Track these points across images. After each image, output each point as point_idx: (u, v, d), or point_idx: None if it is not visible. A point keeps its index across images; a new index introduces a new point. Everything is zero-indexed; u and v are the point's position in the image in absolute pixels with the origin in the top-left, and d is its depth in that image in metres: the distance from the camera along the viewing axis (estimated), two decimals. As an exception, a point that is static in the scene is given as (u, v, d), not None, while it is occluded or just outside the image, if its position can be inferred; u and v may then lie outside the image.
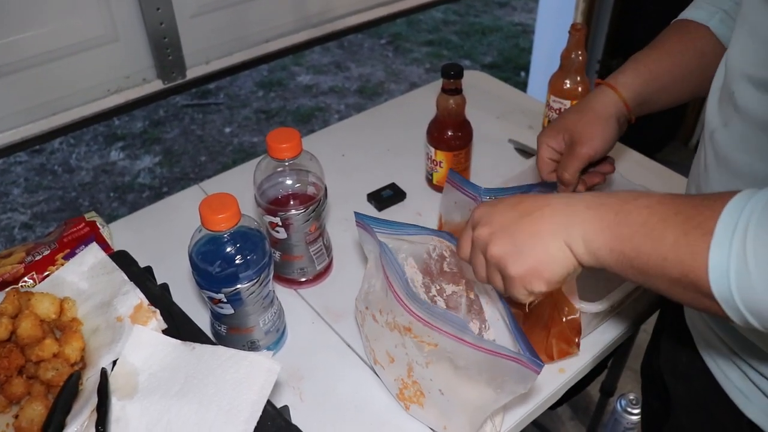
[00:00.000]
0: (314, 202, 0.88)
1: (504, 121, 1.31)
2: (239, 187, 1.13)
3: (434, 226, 0.96)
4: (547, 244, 0.59)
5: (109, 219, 1.07)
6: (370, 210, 1.10)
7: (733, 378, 0.71)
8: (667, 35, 0.86)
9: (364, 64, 3.66)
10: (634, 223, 0.54)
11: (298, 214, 0.87)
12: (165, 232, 1.05)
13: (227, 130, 3.12)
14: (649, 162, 1.22)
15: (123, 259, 0.82)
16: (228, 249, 0.74)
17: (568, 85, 1.18)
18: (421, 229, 0.78)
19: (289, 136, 0.84)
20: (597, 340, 0.89)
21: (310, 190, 0.90)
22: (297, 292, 0.96)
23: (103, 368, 0.67)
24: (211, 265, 0.74)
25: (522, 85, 3.23)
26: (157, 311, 0.73)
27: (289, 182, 0.89)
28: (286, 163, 0.86)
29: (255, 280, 0.76)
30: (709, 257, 0.48)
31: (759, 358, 0.65)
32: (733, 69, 0.65)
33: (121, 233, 1.03)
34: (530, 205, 0.62)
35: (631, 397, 1.65)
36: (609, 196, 0.58)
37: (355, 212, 0.77)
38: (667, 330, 0.89)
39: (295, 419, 0.72)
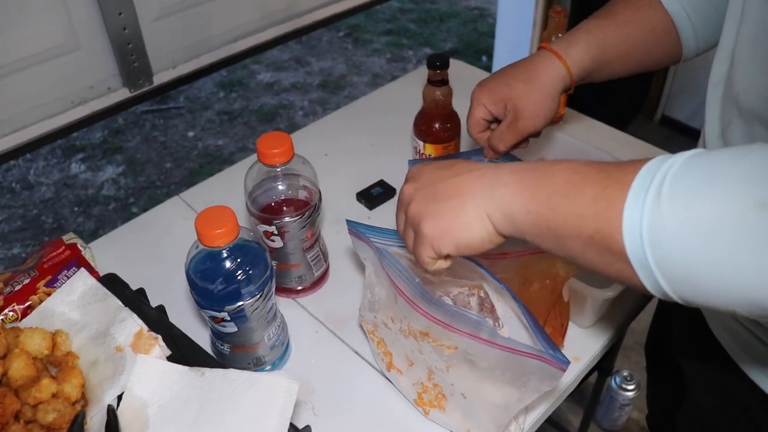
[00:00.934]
0: (309, 208, 0.84)
1: (486, 108, 1.28)
2: (222, 195, 1.09)
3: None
4: (466, 207, 0.57)
5: (77, 236, 1.00)
6: (361, 209, 1.07)
7: (752, 356, 0.70)
8: (620, 4, 0.83)
9: (325, 57, 3.61)
10: (554, 184, 0.52)
11: (294, 221, 0.83)
12: (151, 250, 1.00)
13: (190, 134, 3.04)
14: (620, 134, 1.21)
15: (114, 283, 0.77)
16: (228, 265, 0.70)
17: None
18: None
19: (280, 141, 0.80)
20: (608, 325, 0.87)
21: (302, 194, 0.86)
22: (296, 302, 0.92)
23: (109, 405, 0.62)
24: (212, 283, 0.70)
25: (486, 70, 3.21)
26: (159, 337, 0.69)
27: (281, 188, 0.85)
28: (278, 169, 0.82)
29: (258, 295, 0.73)
30: (624, 206, 0.46)
31: None
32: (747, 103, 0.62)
33: (104, 254, 0.98)
34: (460, 167, 0.60)
35: (626, 374, 1.65)
36: (538, 162, 0.56)
37: (347, 220, 0.73)
38: (678, 311, 0.88)
39: (312, 435, 0.68)
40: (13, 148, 1.21)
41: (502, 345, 0.62)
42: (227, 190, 1.10)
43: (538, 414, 0.78)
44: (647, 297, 0.92)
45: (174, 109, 3.20)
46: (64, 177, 2.82)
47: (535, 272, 0.75)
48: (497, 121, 0.85)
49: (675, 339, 0.89)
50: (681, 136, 2.74)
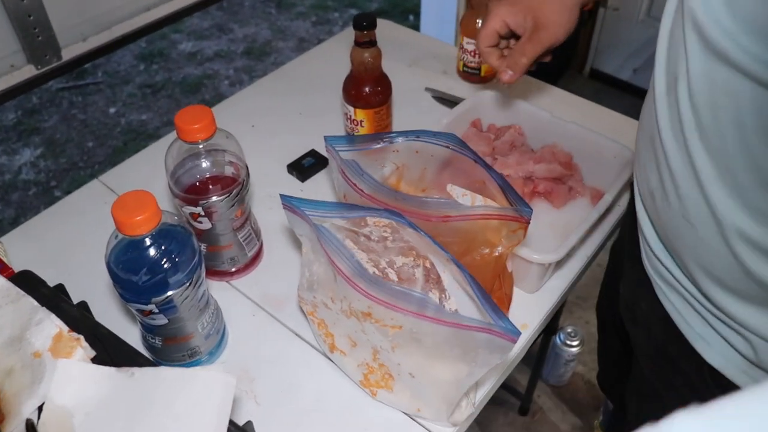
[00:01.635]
0: (237, 185, 0.79)
1: (417, 69, 1.24)
2: (143, 176, 1.03)
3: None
4: None
5: None
6: (293, 182, 1.02)
7: (693, 323, 0.69)
8: None
9: (248, 23, 3.48)
10: None
11: (222, 200, 0.78)
12: (69, 240, 0.93)
13: (112, 110, 2.90)
14: (556, 90, 1.19)
15: (28, 281, 0.71)
16: (152, 253, 0.65)
17: (480, 25, 1.12)
18: (355, 210, 0.71)
19: (200, 116, 0.74)
20: (554, 287, 0.86)
21: (229, 170, 0.81)
22: (230, 284, 0.87)
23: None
24: (136, 274, 0.65)
25: (413, 29, 3.16)
26: (81, 337, 0.63)
27: (205, 165, 0.79)
28: (200, 146, 0.76)
29: (188, 283, 0.68)
30: None
31: (717, 301, 0.63)
32: None
33: (18, 248, 0.90)
34: None
35: (569, 330, 1.67)
36: None
37: (281, 195, 0.69)
38: (625, 276, 0.87)
39: (256, 426, 0.65)
40: None
41: (450, 321, 0.59)
42: (151, 170, 1.03)
43: (489, 387, 0.76)
44: (590, 259, 0.91)
45: (92, 85, 3.03)
46: (-24, 163, 2.65)
47: (479, 240, 0.72)
48: (510, 38, 0.84)
49: (622, 302, 0.88)
50: (611, 89, 2.76)
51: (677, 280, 0.69)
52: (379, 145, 0.76)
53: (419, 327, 0.61)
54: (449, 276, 0.71)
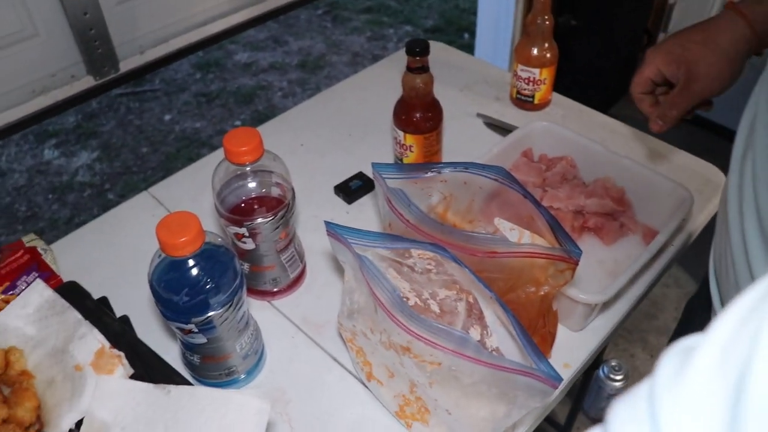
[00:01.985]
0: (282, 208, 0.79)
1: (469, 93, 1.23)
2: (192, 189, 1.04)
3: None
4: None
5: (51, 223, 0.94)
6: (339, 204, 1.02)
7: None
8: None
9: (303, 36, 3.53)
10: None
11: (266, 223, 0.78)
12: (115, 252, 0.94)
13: (167, 117, 2.96)
14: (608, 120, 1.16)
15: (74, 293, 0.72)
16: (194, 274, 0.65)
17: (535, 53, 1.11)
18: (399, 241, 0.69)
19: (249, 138, 0.75)
20: (599, 326, 0.84)
21: (275, 191, 0.81)
22: (271, 304, 0.87)
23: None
24: (177, 294, 0.65)
25: (467, 47, 3.16)
26: (122, 355, 0.64)
27: (252, 186, 0.80)
28: (248, 168, 0.77)
29: (228, 305, 0.68)
30: None
31: None
32: None
33: (66, 256, 0.92)
34: None
35: (613, 364, 1.63)
36: None
37: (326, 221, 0.68)
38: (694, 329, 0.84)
39: (288, 454, 0.64)
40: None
41: (489, 362, 0.58)
42: (200, 185, 1.04)
43: (526, 427, 0.74)
44: (639, 299, 0.88)
45: (149, 92, 3.11)
46: (37, 163, 2.73)
47: (525, 277, 0.70)
48: (664, 86, 0.81)
49: None
50: (692, 126, 2.69)
51: None
52: (427, 175, 0.75)
53: (458, 365, 0.60)
54: (492, 313, 0.70)
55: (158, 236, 0.63)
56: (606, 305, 0.85)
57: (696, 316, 0.86)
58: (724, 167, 0.74)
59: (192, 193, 1.03)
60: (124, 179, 2.64)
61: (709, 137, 2.54)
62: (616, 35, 2.48)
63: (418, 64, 0.92)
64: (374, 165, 0.75)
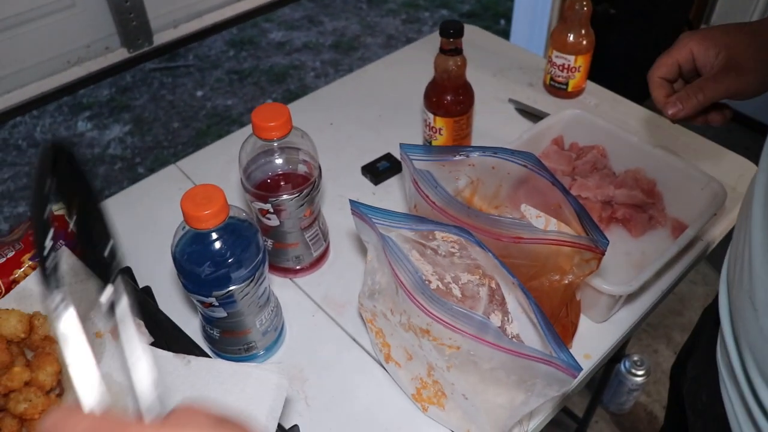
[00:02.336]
0: (308, 185, 0.79)
1: (502, 78, 1.22)
2: (220, 164, 1.04)
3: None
4: None
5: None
6: (366, 184, 1.02)
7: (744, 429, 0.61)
8: None
9: (338, 17, 3.51)
10: None
11: (292, 199, 0.78)
12: (141, 223, 0.95)
13: (199, 93, 2.98)
14: (642, 110, 1.14)
15: (98, 262, 0.72)
16: (217, 247, 0.65)
17: (571, 39, 1.09)
18: (424, 222, 0.69)
19: (277, 114, 0.74)
20: (623, 318, 0.82)
21: (302, 169, 0.81)
22: (293, 282, 0.87)
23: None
24: (199, 266, 0.65)
25: (503, 33, 3.11)
26: (141, 323, 0.64)
27: (278, 162, 0.80)
28: (275, 144, 0.76)
29: (249, 280, 0.68)
30: None
31: (764, 400, 0.55)
32: None
33: (94, 225, 0.93)
34: None
35: (635, 359, 1.61)
36: None
37: (351, 200, 0.68)
38: (695, 355, 0.82)
39: (303, 428, 0.64)
40: (15, 106, 1.16)
41: (509, 348, 0.57)
42: (227, 160, 1.05)
43: (543, 416, 0.73)
44: (665, 293, 0.86)
45: (183, 68, 3.13)
46: (71, 135, 2.77)
47: (550, 265, 0.69)
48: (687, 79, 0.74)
49: (686, 385, 0.82)
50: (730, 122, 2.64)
51: (733, 371, 0.60)
52: (455, 158, 0.75)
53: (477, 350, 0.59)
54: (514, 299, 0.69)
55: (183, 208, 0.63)
56: (630, 298, 0.83)
57: (707, 328, 0.82)
58: (761, 164, 0.68)
59: (219, 168, 1.04)
60: (155, 154, 2.66)
61: (746, 133, 2.49)
62: (655, 26, 2.42)
63: (451, 46, 0.91)
64: (402, 146, 0.75)
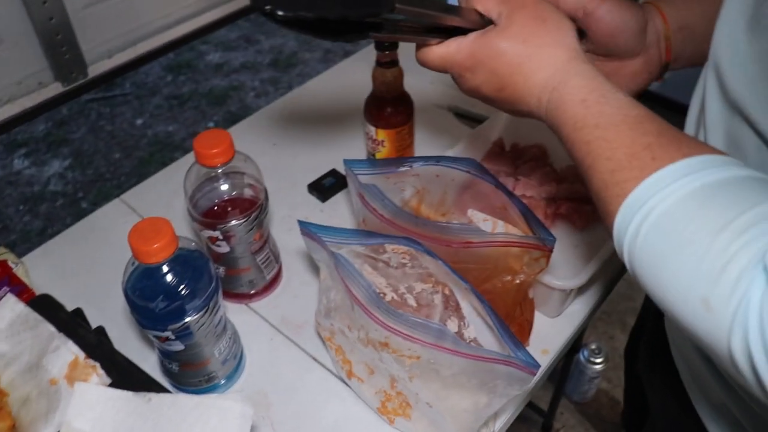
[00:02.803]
0: (256, 209, 0.78)
1: (439, 85, 1.23)
2: (165, 194, 1.03)
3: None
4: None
5: (23, 235, 0.92)
6: (314, 202, 1.02)
7: (704, 395, 0.66)
8: None
9: (274, 35, 3.50)
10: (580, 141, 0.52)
11: (240, 225, 0.77)
12: (90, 261, 0.93)
13: (139, 121, 2.93)
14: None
15: (47, 306, 0.71)
16: (169, 280, 0.65)
17: None
18: (373, 237, 0.70)
19: (219, 140, 0.74)
20: (576, 311, 0.84)
21: (248, 193, 0.81)
22: (248, 307, 0.87)
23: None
24: (152, 301, 0.65)
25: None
26: (97, 365, 0.63)
27: (224, 188, 0.79)
28: (219, 170, 0.76)
29: (204, 310, 0.67)
30: (617, 214, 0.47)
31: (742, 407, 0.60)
32: None
33: (39, 268, 0.91)
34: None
35: (593, 347, 1.64)
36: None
37: (299, 221, 0.68)
38: (647, 335, 0.84)
39: (272, 455, 0.64)
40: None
41: (468, 353, 0.58)
42: (172, 190, 1.03)
43: (508, 415, 0.75)
44: (612, 283, 0.89)
45: (120, 96, 3.07)
46: (7, 174, 2.69)
47: (500, 267, 0.71)
48: None
49: (641, 363, 0.85)
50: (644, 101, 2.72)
51: (703, 366, 0.64)
52: (399, 170, 0.75)
53: (437, 358, 0.60)
54: (468, 304, 0.70)
55: (131, 243, 0.62)
56: (581, 290, 0.85)
57: (652, 305, 0.85)
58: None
59: (165, 199, 1.02)
60: (98, 187, 2.61)
61: (663, 113, 2.57)
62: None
63: (387, 59, 0.92)
64: (346, 161, 0.75)
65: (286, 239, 0.93)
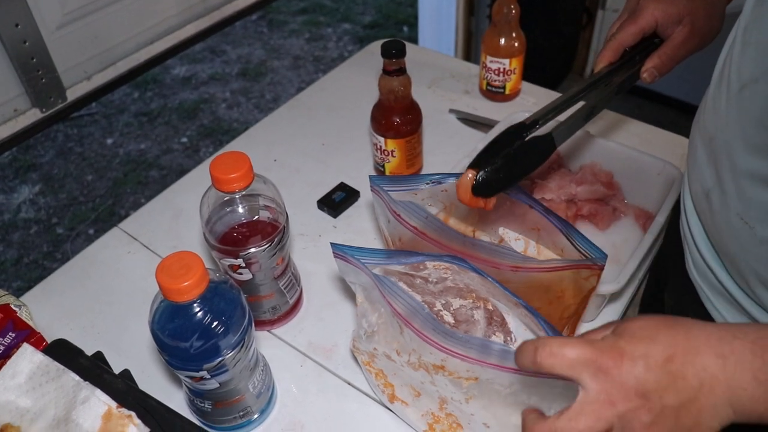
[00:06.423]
0: (278, 233, 0.75)
1: (437, 89, 1.21)
2: (166, 220, 0.98)
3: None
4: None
5: (7, 291, 0.85)
6: (325, 218, 0.98)
7: None
8: None
9: (240, 44, 3.44)
10: None
11: (263, 250, 0.73)
12: (96, 297, 0.87)
13: (109, 141, 2.85)
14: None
15: (65, 352, 0.66)
16: (203, 317, 0.60)
17: (503, 42, 1.09)
18: (414, 256, 0.66)
19: (237, 164, 0.70)
20: (610, 313, 0.82)
21: (264, 215, 0.77)
22: (272, 334, 0.83)
23: None
24: (185, 341, 0.60)
25: (409, 40, 3.13)
26: (132, 414, 0.59)
27: (240, 212, 0.75)
28: (237, 196, 0.72)
29: (240, 345, 0.63)
30: None
31: None
32: None
33: (42, 309, 0.85)
34: (693, 378, 0.46)
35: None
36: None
37: (332, 243, 0.64)
38: (670, 286, 0.83)
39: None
40: None
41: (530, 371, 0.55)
42: (174, 214, 0.98)
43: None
44: (642, 282, 0.87)
45: (87, 116, 2.99)
46: (-25, 203, 2.59)
47: (552, 290, 0.68)
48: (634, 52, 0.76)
49: (668, 312, 0.84)
50: (640, 98, 2.73)
51: (726, 289, 0.65)
52: (428, 186, 0.72)
53: (497, 377, 0.57)
54: (515, 319, 0.67)
55: (159, 282, 0.58)
56: (617, 294, 0.83)
57: (666, 266, 0.85)
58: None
59: (166, 225, 0.97)
60: (72, 210, 2.52)
61: (657, 109, 2.59)
62: (557, 16, 2.49)
63: (395, 66, 0.89)
64: (372, 178, 0.72)
65: (302, 259, 0.89)
